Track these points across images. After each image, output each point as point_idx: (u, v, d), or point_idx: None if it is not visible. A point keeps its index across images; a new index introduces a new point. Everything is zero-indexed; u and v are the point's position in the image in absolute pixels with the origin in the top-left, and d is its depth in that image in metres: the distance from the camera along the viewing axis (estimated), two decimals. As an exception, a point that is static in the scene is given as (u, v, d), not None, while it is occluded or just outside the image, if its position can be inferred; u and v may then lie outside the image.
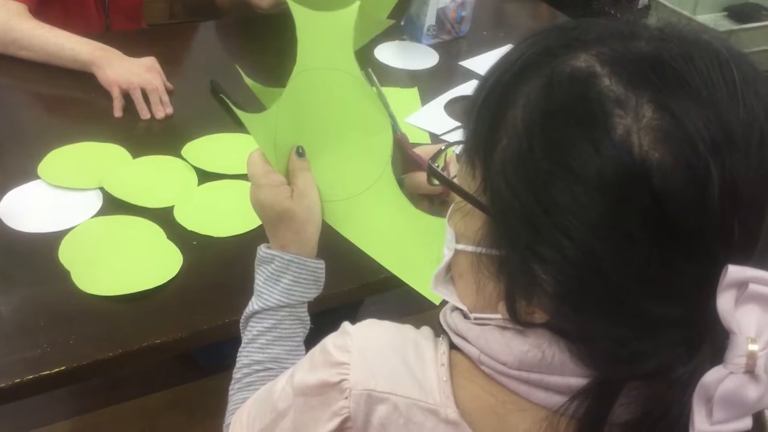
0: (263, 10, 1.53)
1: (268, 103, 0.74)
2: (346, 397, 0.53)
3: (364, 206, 0.84)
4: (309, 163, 0.79)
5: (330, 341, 0.57)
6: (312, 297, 0.77)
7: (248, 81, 0.72)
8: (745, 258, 0.41)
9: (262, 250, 0.76)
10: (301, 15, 0.80)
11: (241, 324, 0.78)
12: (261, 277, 0.76)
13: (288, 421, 0.59)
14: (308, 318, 0.78)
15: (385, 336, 0.56)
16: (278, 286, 0.75)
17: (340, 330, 0.59)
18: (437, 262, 0.81)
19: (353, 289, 0.88)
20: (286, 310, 0.75)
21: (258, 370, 0.74)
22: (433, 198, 0.84)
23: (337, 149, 0.85)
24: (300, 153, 0.79)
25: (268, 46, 1.50)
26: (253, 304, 0.76)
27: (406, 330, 0.58)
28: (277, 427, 0.60)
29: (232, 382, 0.76)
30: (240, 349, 0.76)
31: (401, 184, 0.85)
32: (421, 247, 0.83)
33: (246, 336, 0.76)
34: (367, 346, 0.55)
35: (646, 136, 0.41)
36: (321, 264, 0.78)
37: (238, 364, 0.76)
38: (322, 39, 0.82)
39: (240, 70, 0.77)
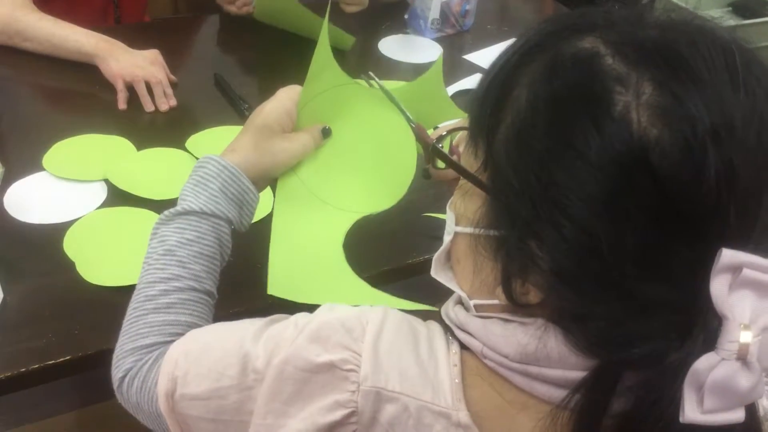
0: (232, 13, 1.57)
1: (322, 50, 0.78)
2: (354, 391, 0.51)
3: (312, 210, 0.84)
4: (321, 145, 0.83)
5: (337, 318, 0.54)
6: (233, 217, 0.73)
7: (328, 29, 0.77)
8: (741, 244, 0.40)
9: (201, 158, 0.75)
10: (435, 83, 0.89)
11: (152, 233, 0.71)
12: (190, 183, 0.73)
13: (268, 384, 0.54)
14: (230, 245, 0.74)
15: (398, 329, 0.54)
16: (206, 192, 0.72)
17: (347, 309, 0.56)
18: (310, 296, 0.77)
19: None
20: (210, 222, 0.71)
21: (181, 288, 0.67)
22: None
23: (345, 163, 0.86)
24: (325, 132, 0.82)
25: (272, 40, 1.50)
26: (175, 208, 0.72)
27: (417, 324, 0.56)
28: (258, 389, 0.54)
29: (139, 299, 0.67)
30: (148, 262, 0.69)
31: (427, 174, 0.86)
32: (314, 273, 0.82)
33: (158, 247, 0.69)
34: (381, 338, 0.53)
35: (645, 113, 0.41)
36: (254, 190, 0.75)
37: (147, 278, 0.68)
38: (423, 97, 0.89)
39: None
